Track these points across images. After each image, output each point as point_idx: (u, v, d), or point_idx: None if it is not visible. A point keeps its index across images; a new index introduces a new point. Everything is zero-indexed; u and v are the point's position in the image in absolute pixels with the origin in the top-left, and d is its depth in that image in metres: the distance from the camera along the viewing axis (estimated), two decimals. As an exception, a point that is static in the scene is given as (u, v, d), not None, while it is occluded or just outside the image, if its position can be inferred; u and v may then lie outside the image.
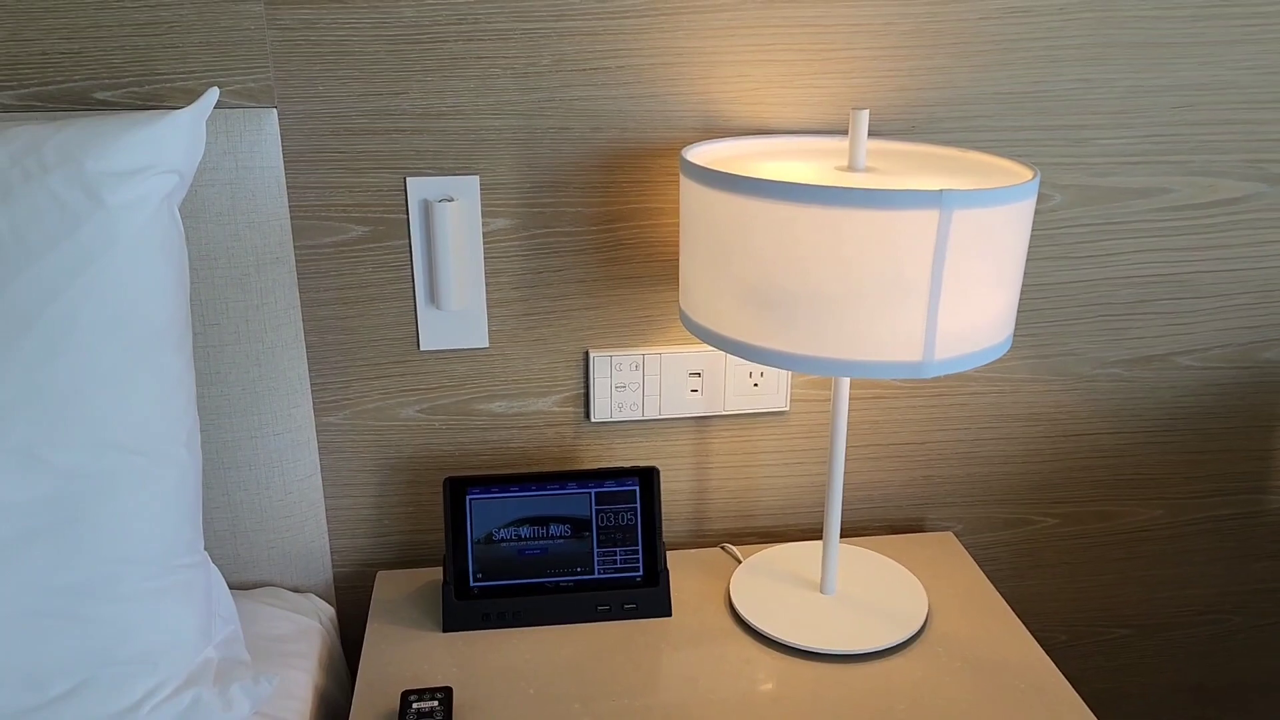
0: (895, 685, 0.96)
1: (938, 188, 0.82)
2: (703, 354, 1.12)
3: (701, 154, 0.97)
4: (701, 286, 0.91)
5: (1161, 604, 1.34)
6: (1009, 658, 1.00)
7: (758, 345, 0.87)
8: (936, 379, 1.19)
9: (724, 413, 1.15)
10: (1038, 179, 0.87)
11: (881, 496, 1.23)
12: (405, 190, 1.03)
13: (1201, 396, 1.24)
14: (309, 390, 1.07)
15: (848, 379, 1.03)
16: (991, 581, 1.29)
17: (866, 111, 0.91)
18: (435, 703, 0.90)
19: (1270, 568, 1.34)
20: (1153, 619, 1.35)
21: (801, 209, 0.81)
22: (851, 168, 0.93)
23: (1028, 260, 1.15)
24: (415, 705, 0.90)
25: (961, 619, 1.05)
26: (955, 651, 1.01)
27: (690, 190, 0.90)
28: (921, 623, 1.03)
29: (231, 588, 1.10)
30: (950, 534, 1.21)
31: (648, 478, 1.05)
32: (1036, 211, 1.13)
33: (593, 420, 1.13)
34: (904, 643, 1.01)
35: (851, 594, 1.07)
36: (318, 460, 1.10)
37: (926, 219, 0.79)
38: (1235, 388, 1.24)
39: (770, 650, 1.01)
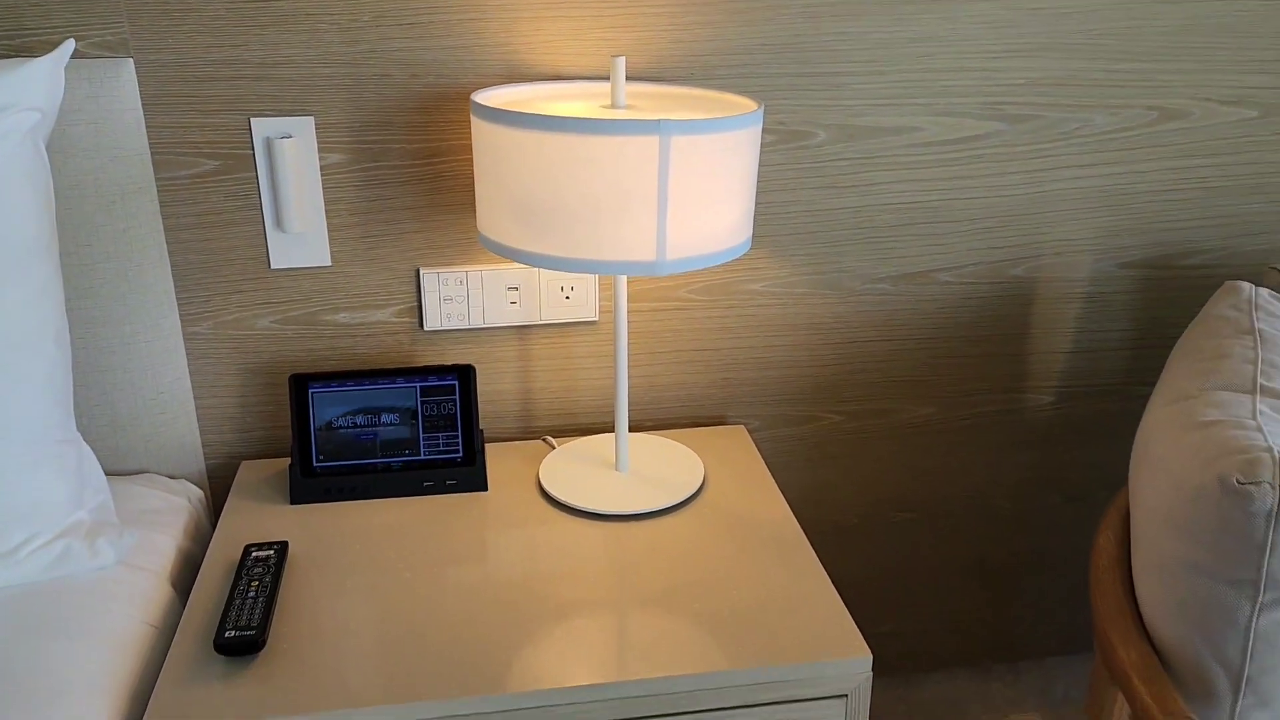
0: (668, 537, 1.16)
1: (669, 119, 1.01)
2: (519, 271, 1.31)
3: (494, 96, 1.16)
4: (487, 206, 1.09)
5: (938, 490, 1.56)
6: (761, 517, 1.20)
7: (528, 251, 1.05)
8: (732, 295, 1.38)
9: (541, 322, 1.34)
10: (758, 112, 1.06)
11: (687, 396, 1.43)
12: (250, 129, 1.20)
13: (960, 308, 1.45)
14: (175, 304, 1.24)
15: (625, 288, 1.22)
16: (786, 470, 1.50)
17: (623, 58, 1.09)
18: (271, 552, 1.09)
19: (1030, 457, 1.56)
20: (932, 504, 1.56)
21: (551, 137, 0.99)
22: (614, 105, 1.11)
23: (801, 189, 1.34)
24: (254, 554, 1.09)
25: (732, 490, 1.26)
26: (720, 513, 1.21)
27: (477, 126, 1.08)
28: (694, 491, 1.23)
29: (113, 475, 1.28)
30: (742, 427, 1.41)
31: (465, 374, 1.24)
32: (804, 147, 1.32)
33: (426, 329, 1.32)
34: (678, 505, 1.22)
35: (641, 471, 1.27)
36: (186, 365, 1.27)
37: (649, 144, 0.98)
38: (989, 300, 1.45)
39: (568, 515, 1.20)
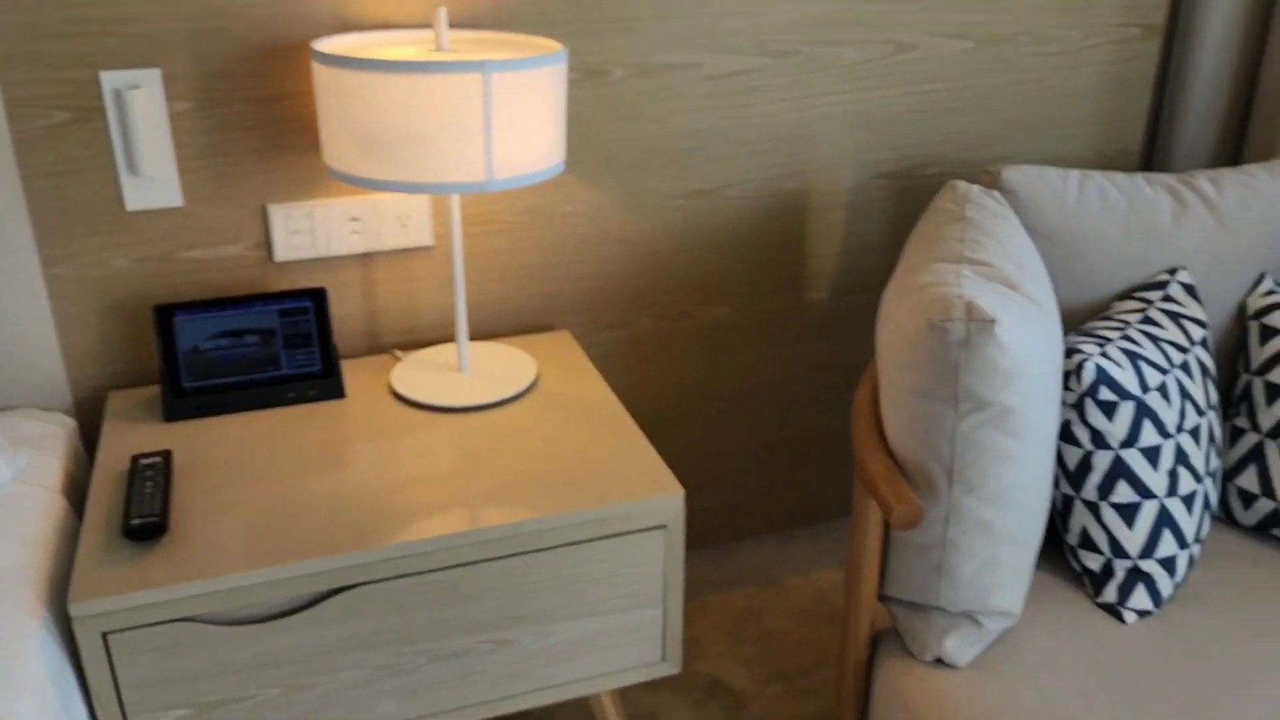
0: (510, 422, 1.36)
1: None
2: (360, 203, 1.46)
3: (333, 44, 1.30)
4: (334, 141, 1.24)
5: (739, 380, 1.81)
6: (589, 400, 1.41)
7: (375, 178, 1.22)
8: (550, 216, 1.58)
9: (382, 249, 1.50)
10: (562, 52, 1.25)
11: (517, 308, 1.62)
12: (99, 82, 1.30)
13: (745, 219, 1.69)
14: (35, 248, 1.34)
15: (459, 210, 1.40)
16: (608, 371, 1.72)
17: (444, 9, 1.27)
18: (158, 459, 1.23)
19: (814, 346, 1.83)
20: (735, 392, 1.82)
21: (391, 78, 1.16)
22: (440, 49, 1.28)
23: (605, 120, 1.54)
24: (143, 461, 1.22)
25: (562, 382, 1.46)
26: (553, 400, 1.41)
27: (320, 71, 1.23)
28: (529, 384, 1.44)
29: (-14, 411, 1.37)
30: (568, 332, 1.62)
31: (319, 295, 1.40)
32: (604, 84, 1.52)
33: (276, 260, 1.46)
34: (516, 396, 1.41)
35: (481, 371, 1.46)
36: (49, 306, 1.37)
37: (474, 81, 1.16)
38: (770, 211, 1.70)
39: (420, 411, 1.38)
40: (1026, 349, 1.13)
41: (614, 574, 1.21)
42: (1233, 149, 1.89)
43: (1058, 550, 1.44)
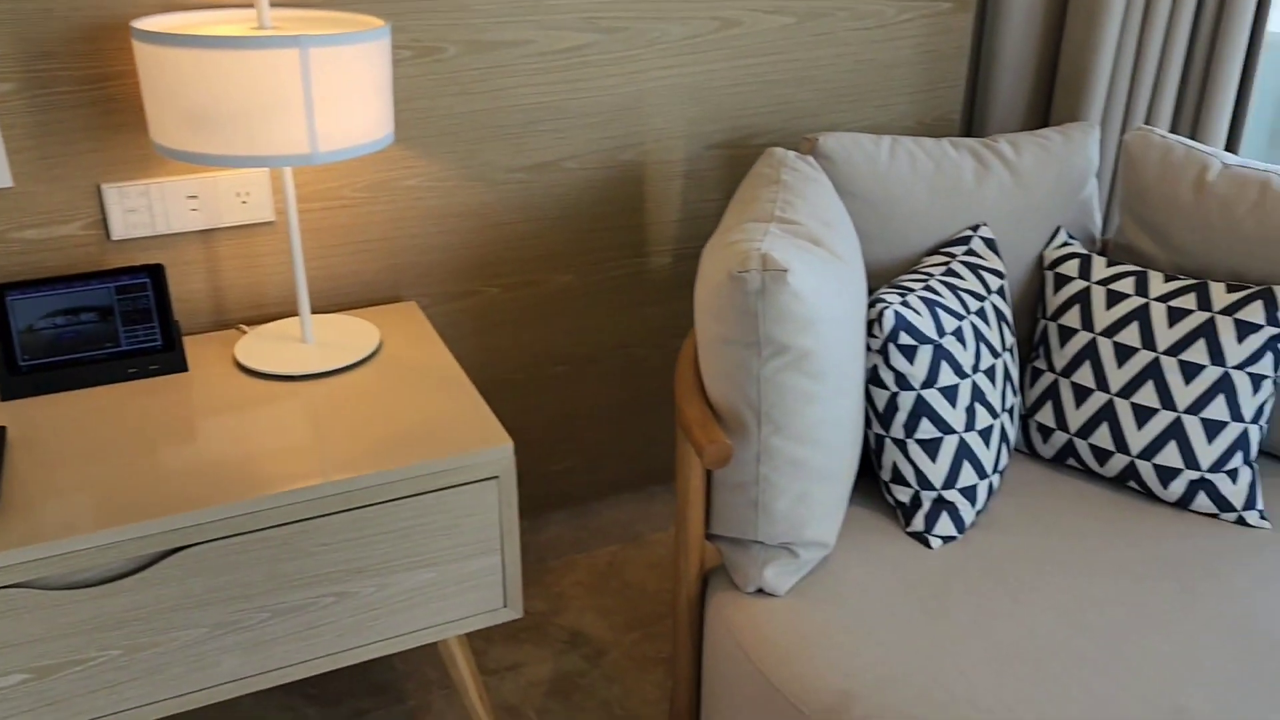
0: (352, 387, 1.40)
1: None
2: (197, 180, 1.49)
3: (154, 23, 1.33)
4: (159, 118, 1.27)
5: (587, 344, 1.89)
6: (429, 365, 1.47)
7: (200, 153, 1.25)
8: (393, 191, 1.62)
9: (223, 226, 1.53)
10: (385, 29, 1.30)
11: (362, 281, 1.66)
12: (-84, 62, 1.30)
13: (586, 190, 1.76)
14: None
15: (291, 184, 1.43)
16: (459, 339, 1.77)
17: (265, -13, 1.30)
18: (-8, 435, 1.24)
19: (657, 309, 1.92)
20: (583, 357, 1.90)
21: (212, 54, 1.19)
22: (261, 27, 1.32)
23: (440, 96, 1.59)
24: (-25, 438, 1.24)
25: (405, 349, 1.52)
26: (395, 366, 1.47)
27: (141, 49, 1.25)
28: (371, 351, 1.49)
29: None
30: (414, 303, 1.67)
31: (155, 271, 1.42)
32: (438, 60, 1.57)
33: (113, 239, 1.47)
34: (358, 363, 1.46)
35: (325, 341, 1.50)
36: (-124, 289, 1.37)
37: (291, 56, 1.20)
38: (608, 182, 1.78)
39: (262, 381, 1.42)
40: (821, 296, 1.23)
41: (450, 524, 1.27)
42: (1041, 115, 2.03)
43: (874, 486, 1.55)
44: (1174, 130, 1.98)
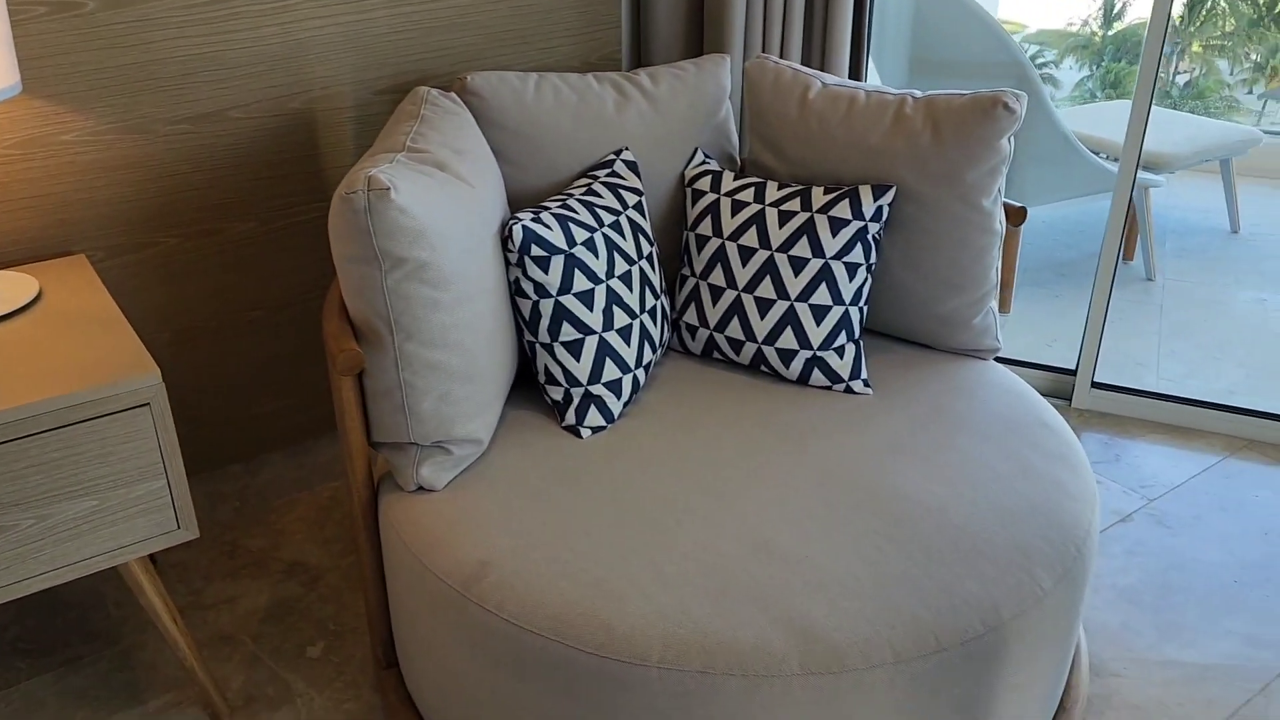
0: (9, 336, 1.45)
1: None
2: None
3: None
4: None
5: (276, 289, 1.97)
6: (91, 312, 1.53)
7: None
8: (49, 147, 1.65)
9: None
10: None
11: (29, 238, 1.69)
12: None
13: (257, 138, 1.84)
14: None
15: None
16: (140, 290, 1.82)
17: None
18: None
19: (347, 251, 2.02)
20: (273, 301, 1.97)
21: None
22: None
23: (85, 51, 1.63)
24: None
25: (68, 300, 1.56)
26: (55, 314, 1.52)
27: None
28: (27, 302, 1.53)
29: None
30: (83, 256, 1.71)
31: None
32: (77, 14, 1.61)
33: None
34: (12, 314, 1.50)
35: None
36: None
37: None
38: (280, 130, 1.85)
39: (-85, 340, 1.44)
40: (430, 212, 1.36)
41: (104, 453, 1.35)
42: (696, 50, 2.23)
43: (536, 389, 1.71)
44: (805, 61, 2.22)
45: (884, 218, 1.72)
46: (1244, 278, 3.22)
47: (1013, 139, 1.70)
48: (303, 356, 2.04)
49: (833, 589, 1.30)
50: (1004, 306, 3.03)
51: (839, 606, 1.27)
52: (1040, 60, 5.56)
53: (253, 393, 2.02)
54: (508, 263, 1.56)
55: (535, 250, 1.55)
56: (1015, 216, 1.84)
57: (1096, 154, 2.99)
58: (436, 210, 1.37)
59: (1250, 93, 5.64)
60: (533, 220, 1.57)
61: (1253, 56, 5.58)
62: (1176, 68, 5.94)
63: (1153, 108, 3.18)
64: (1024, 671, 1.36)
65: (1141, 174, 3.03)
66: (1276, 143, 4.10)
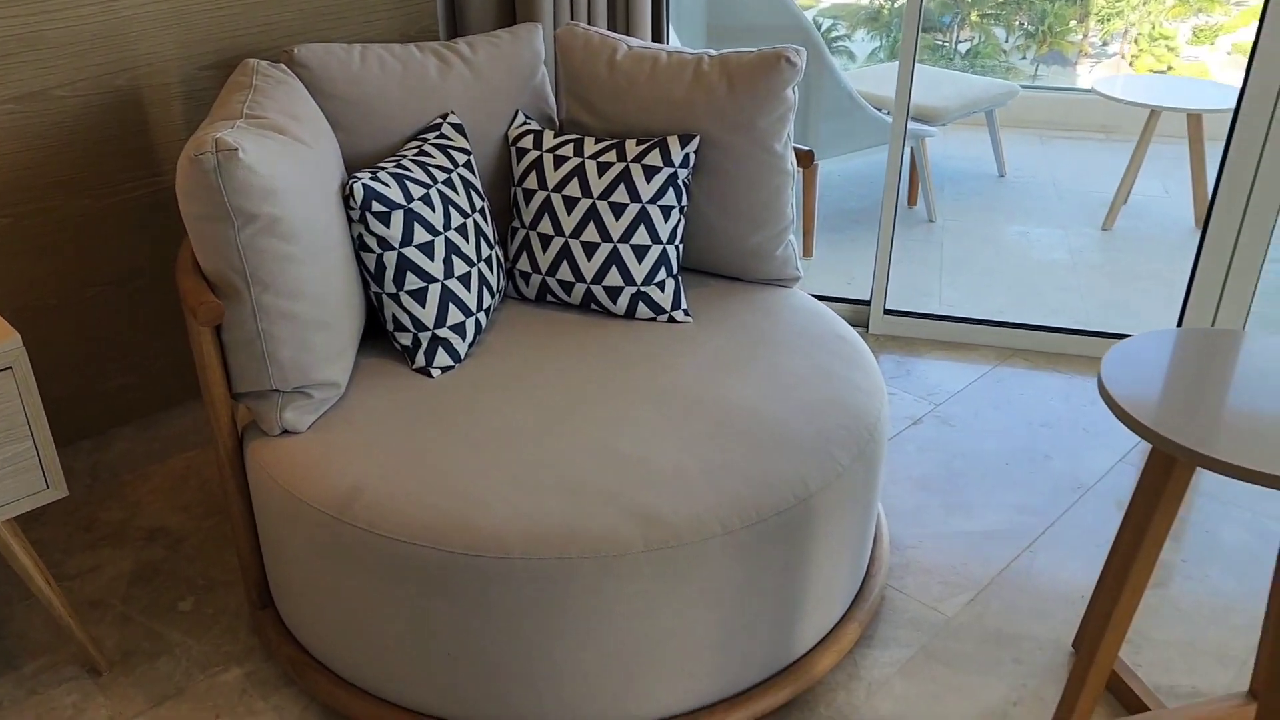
0: None
1: None
2: None
3: None
4: None
5: (119, 265, 2.01)
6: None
7: None
8: None
9: None
10: None
11: None
12: None
13: (86, 116, 1.88)
14: None
15: None
16: (-24, 271, 1.84)
17: None
18: None
19: (182, 225, 2.08)
20: (116, 276, 2.02)
21: None
22: None
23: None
24: None
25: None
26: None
27: None
28: None
29: None
30: (-83, 238, 1.73)
31: None
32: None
33: None
34: None
35: None
36: None
37: None
38: (107, 107, 1.90)
39: None
40: (277, 170, 1.47)
41: (-29, 416, 1.40)
42: (510, 20, 2.38)
43: (386, 338, 1.84)
44: (612, 27, 2.41)
45: (691, 164, 1.92)
46: (1010, 215, 3.63)
47: (796, 89, 1.93)
48: (146, 330, 2.09)
49: (669, 481, 1.49)
50: (807, 251, 3.33)
51: (674, 494, 1.47)
52: (835, 33, 5.96)
53: (98, 368, 2.05)
54: (350, 220, 1.68)
55: (376, 206, 1.67)
56: (804, 159, 2.08)
57: (880, 110, 3.30)
58: (282, 169, 1.48)
59: (1024, 58, 6.22)
60: (371, 179, 1.69)
61: (1025, 25, 6.16)
62: (958, 36, 6.48)
63: (929, 68, 3.52)
64: (832, 538, 1.60)
65: (917, 126, 3.37)
66: (1034, 96, 4.58)
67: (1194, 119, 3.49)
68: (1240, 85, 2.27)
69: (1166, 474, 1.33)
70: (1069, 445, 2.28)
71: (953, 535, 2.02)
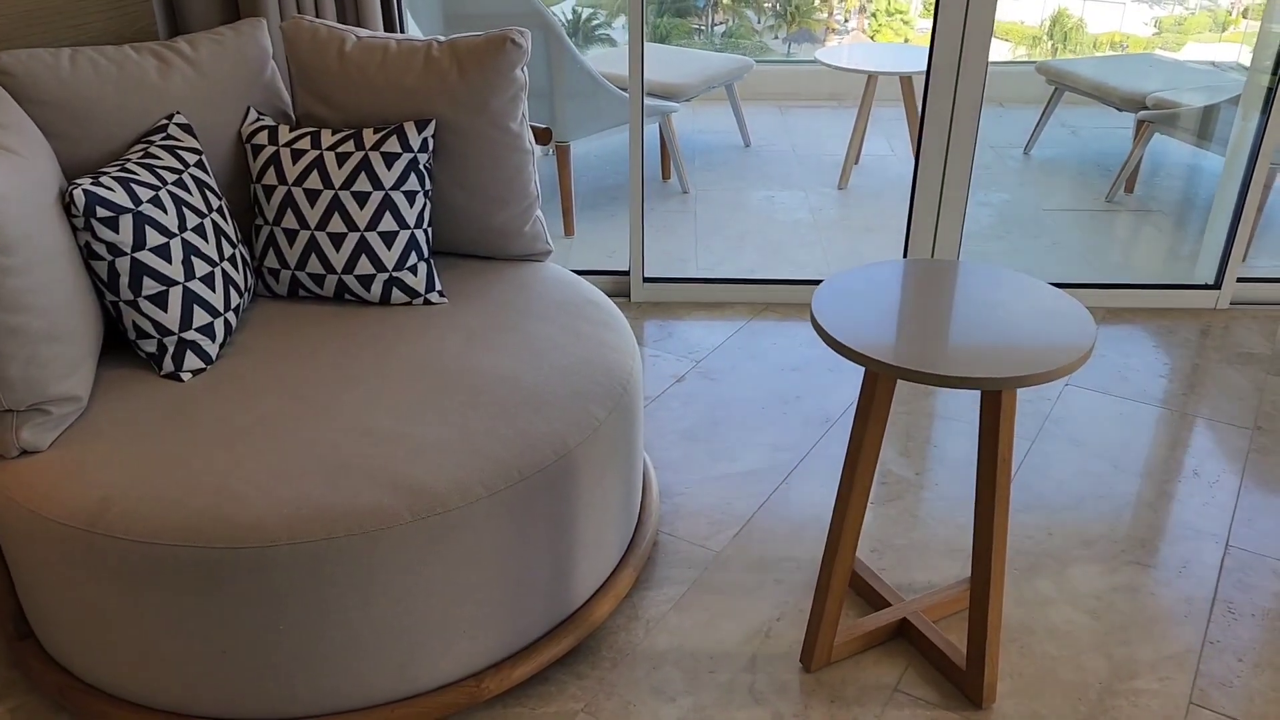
0: None
1: None
2: None
3: None
4: None
5: None
6: None
7: None
8: None
9: None
10: None
11: None
12: None
13: None
14: None
15: None
16: None
17: None
18: None
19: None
20: None
21: None
22: None
23: None
24: None
25: None
26: None
27: None
28: None
29: None
30: None
31: None
32: None
33: None
34: None
35: None
36: None
37: None
38: None
39: None
40: (-17, 180, 1.41)
41: None
42: (231, 16, 2.33)
43: (129, 347, 1.79)
44: (342, 19, 2.40)
45: (430, 148, 1.96)
46: (756, 181, 3.85)
47: (525, 70, 2.00)
48: None
49: (430, 452, 1.53)
50: (568, 230, 3.43)
51: (436, 464, 1.52)
52: (595, 21, 6.09)
53: None
54: (75, 228, 1.62)
55: (101, 211, 1.62)
56: (542, 136, 2.16)
57: (624, 90, 3.43)
58: (-11, 178, 1.42)
59: (776, 37, 6.56)
60: (93, 184, 1.64)
61: (775, 6, 6.50)
62: (714, 19, 6.76)
63: (669, 48, 3.67)
64: (598, 490, 1.69)
65: (661, 103, 3.52)
66: (768, 69, 4.86)
67: (905, 81, 3.81)
68: (929, 45, 2.52)
69: (873, 389, 1.49)
70: (817, 385, 2.47)
71: (718, 478, 2.15)
